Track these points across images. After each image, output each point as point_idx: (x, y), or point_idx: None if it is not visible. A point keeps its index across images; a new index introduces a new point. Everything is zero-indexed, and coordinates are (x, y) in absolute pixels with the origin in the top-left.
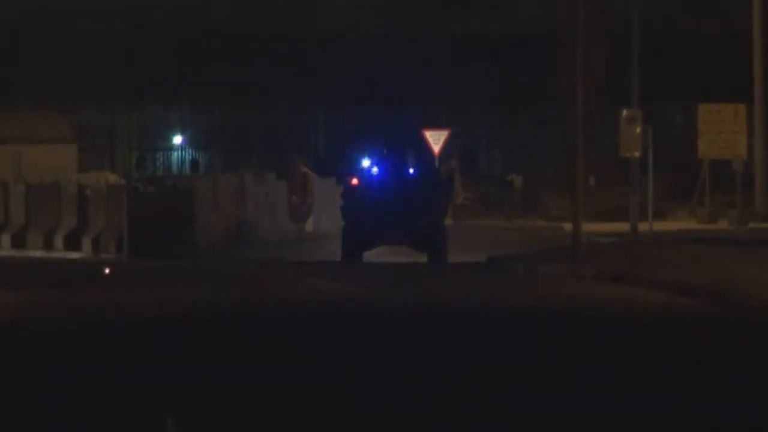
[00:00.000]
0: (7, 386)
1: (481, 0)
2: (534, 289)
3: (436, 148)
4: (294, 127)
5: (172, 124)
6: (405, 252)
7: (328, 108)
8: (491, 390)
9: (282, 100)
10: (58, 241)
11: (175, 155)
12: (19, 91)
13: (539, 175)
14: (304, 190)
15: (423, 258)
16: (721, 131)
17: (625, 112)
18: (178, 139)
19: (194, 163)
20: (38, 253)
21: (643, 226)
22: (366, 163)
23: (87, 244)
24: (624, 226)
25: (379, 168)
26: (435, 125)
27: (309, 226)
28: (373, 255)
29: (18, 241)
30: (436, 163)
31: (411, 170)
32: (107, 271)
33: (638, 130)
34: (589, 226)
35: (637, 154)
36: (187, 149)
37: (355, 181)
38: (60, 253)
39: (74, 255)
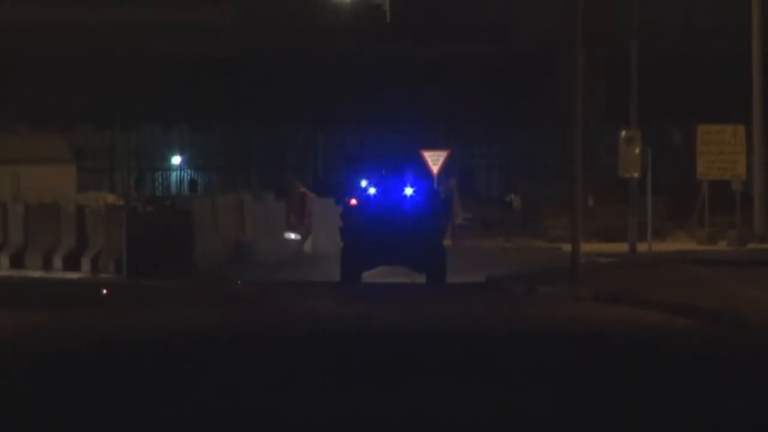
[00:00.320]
0: (3, 409)
1: (482, 21)
2: (533, 310)
3: (435, 168)
4: (293, 148)
5: (171, 145)
6: (403, 272)
7: (327, 128)
8: (493, 420)
9: (281, 121)
10: (57, 261)
11: (173, 175)
12: (18, 111)
13: (538, 196)
14: (303, 210)
15: (422, 278)
16: (720, 152)
17: (624, 133)
18: (176, 160)
19: (193, 183)
20: (37, 273)
21: (641, 247)
22: (364, 183)
23: (86, 264)
24: (623, 247)
25: (377, 188)
26: (434, 146)
27: (308, 246)
28: (371, 275)
29: (17, 261)
30: (435, 184)
31: (410, 191)
32: (105, 291)
33: (637, 150)
34: (588, 246)
35: (636, 174)
36: (185, 169)
37: (354, 201)
38: (59, 273)
39: (73, 275)
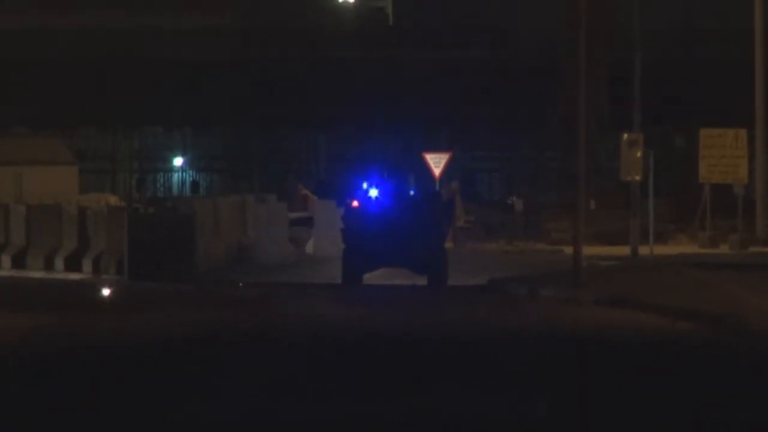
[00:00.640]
0: (5, 411)
1: (483, 24)
2: (535, 313)
3: (437, 171)
4: (294, 150)
5: (173, 147)
6: (405, 274)
7: (329, 131)
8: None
9: (283, 123)
10: (59, 262)
11: (175, 177)
12: (21, 113)
13: (540, 199)
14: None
15: (423, 281)
16: (722, 155)
17: (626, 136)
18: (178, 161)
19: (195, 185)
20: (39, 274)
21: (643, 250)
22: (365, 185)
23: (87, 265)
24: (625, 250)
25: (379, 191)
26: (436, 148)
27: (309, 248)
28: (373, 277)
29: (18, 262)
30: (437, 186)
31: (411, 193)
32: (107, 293)
33: (639, 154)
34: (589, 250)
35: (637, 177)
36: (187, 171)
37: (355, 203)
38: (60, 274)
39: (75, 276)
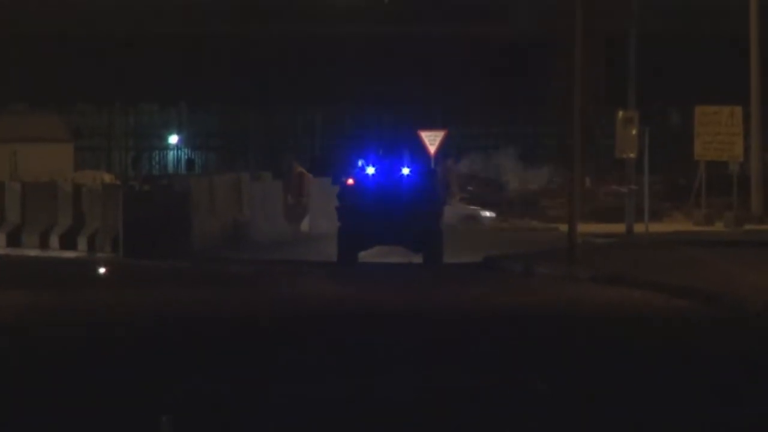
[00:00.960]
0: (6, 390)
1: (480, 1)
2: (530, 290)
3: (432, 148)
4: (291, 128)
5: (169, 124)
6: (400, 252)
7: (325, 109)
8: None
9: (279, 101)
10: (54, 240)
11: (171, 155)
12: (16, 90)
13: (536, 176)
14: (300, 190)
15: (419, 258)
16: (717, 133)
17: (621, 114)
18: (174, 139)
19: (190, 162)
20: (34, 252)
21: (638, 228)
22: (361, 163)
23: (83, 243)
24: (620, 227)
25: (375, 168)
26: (431, 126)
27: (305, 226)
28: (368, 255)
29: (13, 240)
30: (432, 164)
31: (407, 170)
32: (103, 270)
33: (634, 131)
34: (585, 227)
35: (633, 155)
36: (183, 149)
37: (350, 181)
38: (55, 252)
39: (70, 254)
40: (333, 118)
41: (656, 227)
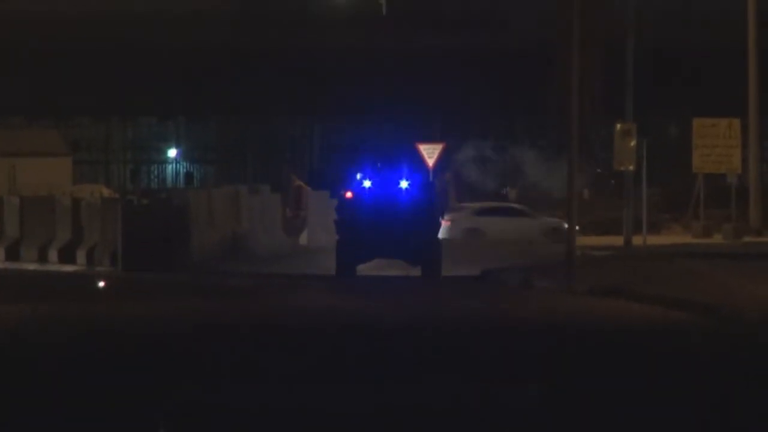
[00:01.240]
0: (2, 399)
1: (478, 13)
2: (528, 303)
3: (431, 161)
4: (289, 141)
5: (167, 137)
6: (399, 265)
7: (323, 121)
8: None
9: (277, 113)
10: (53, 253)
11: (169, 168)
12: (15, 104)
13: (534, 188)
14: (298, 203)
15: (417, 271)
16: (715, 145)
17: (619, 126)
18: (172, 152)
19: (189, 176)
20: (32, 266)
21: (637, 240)
22: (359, 176)
23: (81, 256)
24: (618, 240)
25: (373, 182)
26: (430, 138)
27: (303, 239)
28: (367, 268)
29: (12, 254)
30: (430, 177)
31: (405, 184)
32: (102, 284)
33: (632, 143)
34: (583, 239)
35: (631, 167)
36: (181, 162)
37: (349, 194)
38: (54, 265)
39: (68, 268)
40: (331, 131)
41: (654, 239)
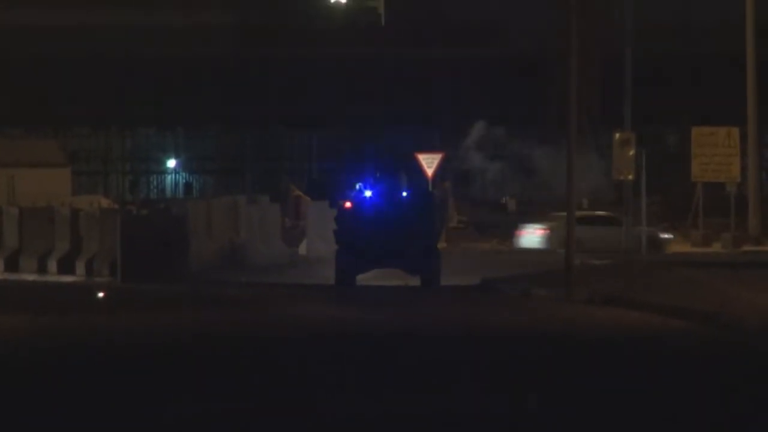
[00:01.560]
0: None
1: (477, 23)
2: (527, 312)
3: (430, 171)
4: (287, 151)
5: (166, 148)
6: (398, 275)
7: (322, 131)
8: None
9: (276, 124)
10: (52, 264)
11: (168, 178)
12: (14, 114)
13: (533, 198)
14: (297, 213)
15: (416, 281)
16: (714, 154)
17: (617, 135)
18: (171, 163)
19: (188, 186)
20: (31, 277)
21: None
22: (358, 186)
23: (80, 267)
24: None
25: (372, 191)
26: (430, 147)
27: (302, 249)
28: (366, 278)
29: (11, 265)
30: (429, 187)
31: (404, 193)
32: (101, 295)
33: (631, 152)
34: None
35: (630, 176)
36: (180, 173)
37: (348, 204)
38: (53, 276)
39: (68, 278)
40: (330, 141)
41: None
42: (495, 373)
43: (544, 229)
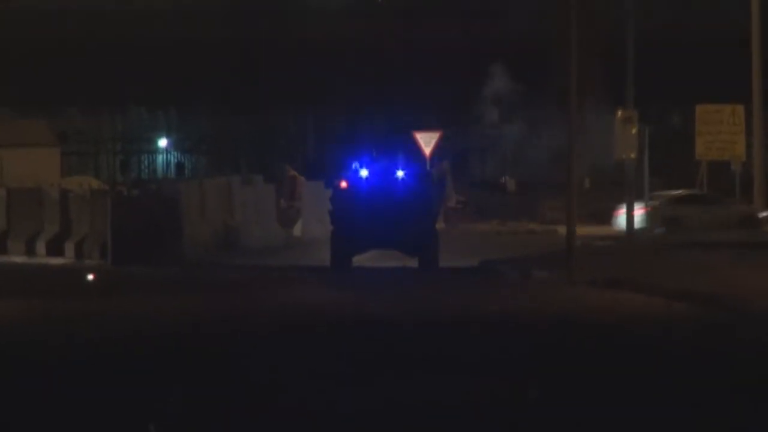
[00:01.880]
0: None
1: (477, 4)
2: (527, 295)
3: (427, 150)
4: (283, 131)
5: (158, 127)
6: (395, 256)
7: (318, 111)
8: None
9: (271, 103)
10: (40, 246)
11: (160, 159)
12: (2, 94)
13: (533, 178)
14: (293, 193)
15: (414, 262)
16: (719, 132)
17: (620, 113)
18: (163, 143)
19: (180, 166)
20: (20, 259)
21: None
22: (355, 165)
23: (70, 250)
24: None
25: (369, 171)
26: (426, 127)
27: (298, 230)
28: (363, 259)
29: None
30: (427, 166)
31: (401, 173)
32: (91, 278)
33: (634, 131)
34: (584, 229)
35: (632, 156)
36: (172, 153)
37: (344, 184)
38: (42, 258)
39: (57, 261)
40: (326, 120)
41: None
42: (488, 359)
43: (645, 208)
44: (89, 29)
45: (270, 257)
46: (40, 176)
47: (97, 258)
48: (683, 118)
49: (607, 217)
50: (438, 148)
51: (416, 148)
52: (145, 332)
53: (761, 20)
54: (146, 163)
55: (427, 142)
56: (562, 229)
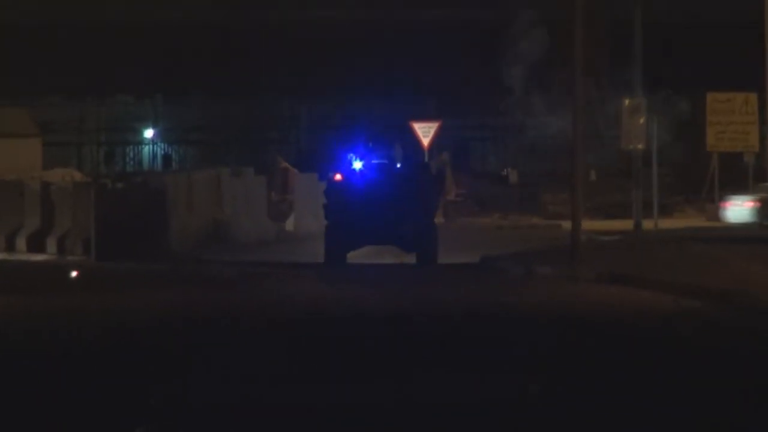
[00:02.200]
0: None
1: None
2: (530, 292)
3: (426, 140)
4: (274, 120)
5: (144, 117)
6: (392, 252)
7: (311, 99)
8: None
9: (262, 91)
10: (21, 241)
11: (146, 150)
12: None
13: (536, 170)
14: (285, 186)
15: (412, 258)
16: (730, 122)
17: (627, 102)
18: (149, 133)
19: (166, 158)
20: None
21: (647, 224)
22: (350, 157)
23: (52, 245)
24: (627, 224)
25: (364, 163)
26: (425, 116)
27: (290, 225)
28: (358, 255)
29: None
30: (426, 157)
31: (398, 165)
32: (74, 274)
33: (642, 120)
34: (589, 224)
35: (640, 146)
36: (158, 144)
37: (338, 177)
38: (23, 254)
39: (38, 257)
40: (319, 110)
41: (666, 223)
42: (489, 356)
43: (755, 201)
44: (73, 13)
45: (261, 252)
46: (20, 168)
47: (81, 253)
48: (693, 106)
49: (613, 212)
50: (437, 139)
51: (414, 140)
52: (129, 327)
53: None
54: (131, 154)
55: (425, 132)
56: (566, 224)
